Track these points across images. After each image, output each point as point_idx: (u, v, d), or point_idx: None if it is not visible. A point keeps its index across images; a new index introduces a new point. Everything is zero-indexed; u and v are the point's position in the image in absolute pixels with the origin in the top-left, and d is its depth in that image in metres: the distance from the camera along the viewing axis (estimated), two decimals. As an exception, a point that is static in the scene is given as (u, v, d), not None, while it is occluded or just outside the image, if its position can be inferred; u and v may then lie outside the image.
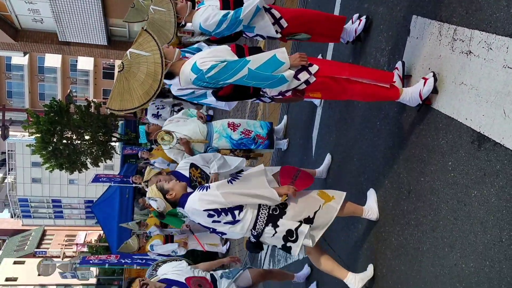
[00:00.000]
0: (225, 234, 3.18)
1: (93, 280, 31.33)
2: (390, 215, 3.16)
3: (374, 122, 3.55)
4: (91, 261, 11.01)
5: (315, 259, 3.37)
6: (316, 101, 5.00)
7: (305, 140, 5.31)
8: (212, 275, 3.89)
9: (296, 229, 3.05)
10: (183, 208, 3.11)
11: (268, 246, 5.26)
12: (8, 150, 37.16)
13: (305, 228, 3.05)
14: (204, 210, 3.01)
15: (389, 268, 3.09)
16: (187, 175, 4.10)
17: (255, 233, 3.09)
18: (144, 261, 10.05)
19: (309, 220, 3.09)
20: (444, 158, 2.59)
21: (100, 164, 18.92)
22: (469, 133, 2.38)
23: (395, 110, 3.24)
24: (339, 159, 4.25)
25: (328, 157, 4.40)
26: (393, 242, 3.07)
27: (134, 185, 11.38)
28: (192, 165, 4.14)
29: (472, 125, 2.36)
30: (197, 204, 3.02)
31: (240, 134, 5.20)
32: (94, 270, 22.84)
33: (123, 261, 10.59)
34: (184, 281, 3.54)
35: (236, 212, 3.03)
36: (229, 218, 3.03)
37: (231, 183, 3.05)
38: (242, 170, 3.40)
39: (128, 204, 13.39)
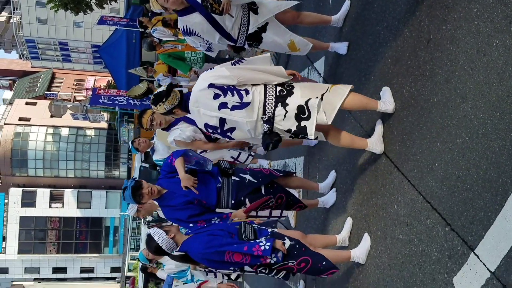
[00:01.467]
0: (234, 130, 3.15)
1: (104, 125, 32.76)
2: (405, 66, 3.09)
3: (400, -37, 3.28)
4: (101, 100, 11.28)
5: (333, 137, 3.31)
6: None
7: (323, -15, 5.00)
8: None
9: (306, 103, 3.01)
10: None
11: None
12: (12, -12, 35.87)
13: (315, 101, 3.00)
14: (209, 86, 2.97)
15: (396, 119, 3.13)
16: None
17: (266, 118, 3.04)
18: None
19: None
20: (470, 4, 2.44)
21: (105, 6, 18.35)
22: (505, -24, 2.20)
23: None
24: (357, 5, 4.03)
25: (346, 3, 4.16)
26: (404, 93, 3.07)
27: (140, 29, 11.11)
28: None
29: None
30: (202, 84, 3.00)
31: None
32: (105, 114, 23.65)
33: (132, 103, 10.91)
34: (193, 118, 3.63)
35: (243, 92, 2.98)
36: (236, 98, 2.98)
37: (237, 63, 3.02)
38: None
39: (135, 49, 13.29)
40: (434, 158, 2.65)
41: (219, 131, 3.15)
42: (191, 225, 3.70)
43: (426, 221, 2.66)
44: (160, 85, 9.14)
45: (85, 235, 35.19)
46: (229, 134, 3.16)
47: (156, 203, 4.11)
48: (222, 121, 3.07)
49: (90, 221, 34.98)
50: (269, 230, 3.38)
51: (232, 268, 3.54)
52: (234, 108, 3.00)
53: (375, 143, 3.28)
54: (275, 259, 3.21)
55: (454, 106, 2.52)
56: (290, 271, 3.38)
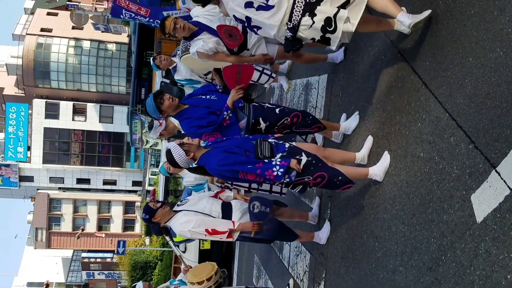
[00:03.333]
0: (260, 28, 3.04)
1: (125, 39, 32.51)
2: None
3: None
4: (122, 16, 11.08)
5: (362, 25, 3.21)
6: None
7: None
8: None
9: (335, 15, 2.89)
10: None
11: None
12: None
13: (343, 13, 2.89)
14: None
15: (429, 33, 3.01)
16: None
17: (291, 25, 2.93)
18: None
19: (347, 2, 2.92)
20: None
21: None
22: None
23: None
24: None
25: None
26: (440, 5, 2.92)
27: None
28: None
29: None
30: None
31: None
32: (126, 28, 23.34)
33: (153, 20, 10.67)
34: (215, 28, 3.57)
35: None
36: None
37: None
38: None
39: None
40: (465, 74, 2.57)
41: (246, 25, 3.15)
42: (210, 128, 3.77)
43: (450, 139, 2.64)
44: None
45: (108, 149, 36.25)
46: (255, 29, 3.16)
47: (177, 123, 4.20)
48: (248, 18, 3.05)
49: (112, 136, 35.87)
50: (287, 145, 3.42)
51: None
52: (259, 8, 2.94)
53: (405, 16, 3.06)
54: (288, 179, 3.28)
55: (491, 18, 2.40)
56: (306, 185, 3.46)
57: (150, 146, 25.07)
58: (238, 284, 8.39)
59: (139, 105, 18.90)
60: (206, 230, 3.96)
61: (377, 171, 3.39)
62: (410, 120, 3.12)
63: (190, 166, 3.51)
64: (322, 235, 4.41)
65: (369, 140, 3.67)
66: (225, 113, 3.84)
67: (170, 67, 5.95)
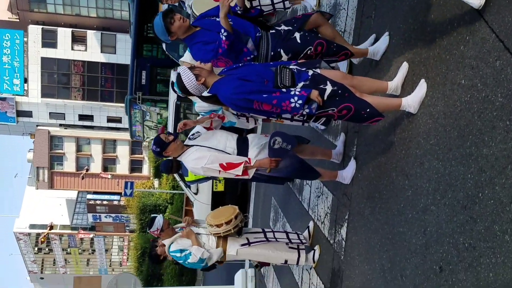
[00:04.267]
0: None
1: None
2: None
3: None
4: None
5: None
6: None
7: None
8: None
9: None
10: None
11: None
12: None
13: None
14: None
15: None
16: None
17: None
18: None
19: None
20: None
21: None
22: None
23: None
24: None
25: None
26: None
27: None
28: None
29: None
30: None
31: None
32: None
33: None
34: None
35: None
36: None
37: None
38: None
39: None
40: (518, -14, 2.46)
41: None
42: (214, 53, 3.74)
43: (495, 63, 2.57)
44: None
45: (111, 83, 36.37)
46: None
47: None
48: None
49: (116, 68, 35.88)
50: (310, 73, 3.38)
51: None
52: None
53: None
54: (307, 110, 3.26)
55: None
56: (331, 117, 3.45)
57: (152, 139, 24.57)
58: (254, 227, 8.62)
59: (139, 93, 16.14)
60: (221, 165, 4.03)
61: (411, 101, 3.35)
62: (452, 43, 3.04)
63: (203, 94, 3.51)
64: (347, 174, 4.45)
65: (404, 67, 3.60)
66: (221, 33, 3.74)
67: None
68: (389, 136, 3.75)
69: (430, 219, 3.01)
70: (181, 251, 4.90)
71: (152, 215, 5.22)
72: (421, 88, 3.31)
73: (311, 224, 5.58)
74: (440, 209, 2.92)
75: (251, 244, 5.03)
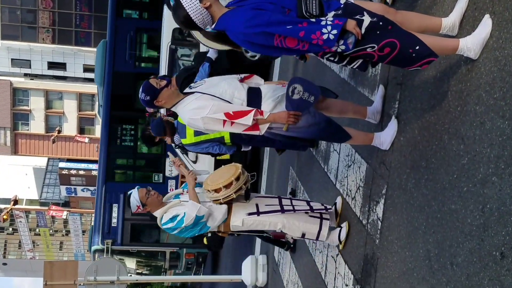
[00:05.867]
0: None
1: None
2: None
3: None
4: None
5: None
6: None
7: None
8: None
9: None
10: None
11: None
12: None
13: None
14: None
15: None
16: None
17: None
18: None
19: None
20: None
21: None
22: None
23: None
24: None
25: None
26: None
27: None
28: None
29: None
30: None
31: None
32: None
33: None
34: None
35: None
36: None
37: None
38: None
39: None
40: None
41: None
42: None
43: None
44: None
45: (88, 21, 36.31)
46: None
47: None
48: None
49: (94, 3, 35.73)
50: (342, 1, 3.33)
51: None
52: None
53: None
54: (343, 47, 3.21)
55: None
56: (369, 59, 3.40)
57: None
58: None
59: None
60: (226, 114, 3.98)
61: (472, 43, 3.29)
62: (526, -33, 2.97)
63: (206, 29, 3.46)
64: (385, 138, 4.42)
65: (463, 0, 3.52)
66: None
67: None
68: (441, 88, 3.72)
69: (491, 193, 2.99)
70: (172, 219, 4.94)
71: (128, 193, 5.19)
72: (485, 26, 3.24)
73: (338, 200, 5.60)
74: (503, 181, 2.89)
75: (260, 214, 5.06)
